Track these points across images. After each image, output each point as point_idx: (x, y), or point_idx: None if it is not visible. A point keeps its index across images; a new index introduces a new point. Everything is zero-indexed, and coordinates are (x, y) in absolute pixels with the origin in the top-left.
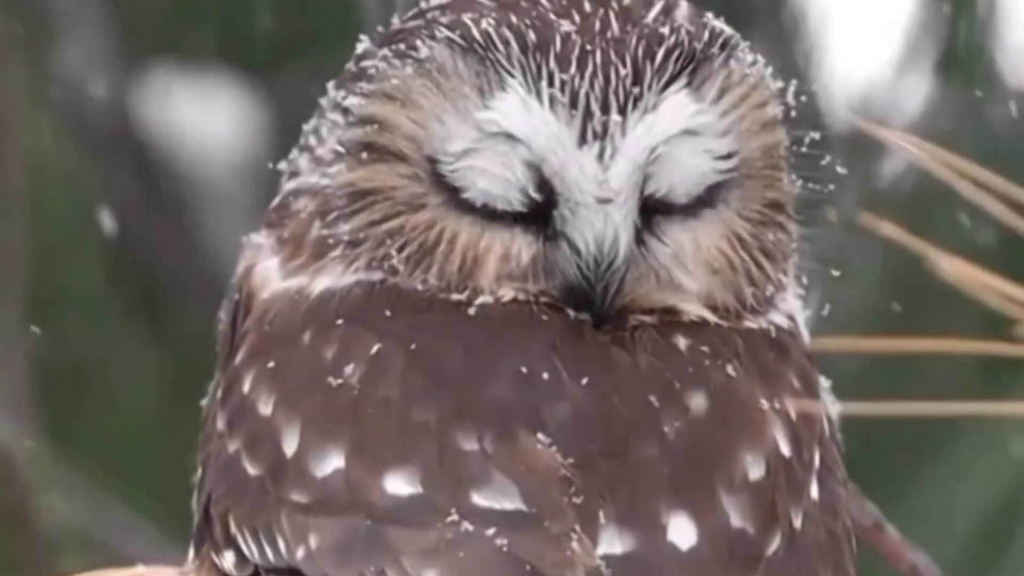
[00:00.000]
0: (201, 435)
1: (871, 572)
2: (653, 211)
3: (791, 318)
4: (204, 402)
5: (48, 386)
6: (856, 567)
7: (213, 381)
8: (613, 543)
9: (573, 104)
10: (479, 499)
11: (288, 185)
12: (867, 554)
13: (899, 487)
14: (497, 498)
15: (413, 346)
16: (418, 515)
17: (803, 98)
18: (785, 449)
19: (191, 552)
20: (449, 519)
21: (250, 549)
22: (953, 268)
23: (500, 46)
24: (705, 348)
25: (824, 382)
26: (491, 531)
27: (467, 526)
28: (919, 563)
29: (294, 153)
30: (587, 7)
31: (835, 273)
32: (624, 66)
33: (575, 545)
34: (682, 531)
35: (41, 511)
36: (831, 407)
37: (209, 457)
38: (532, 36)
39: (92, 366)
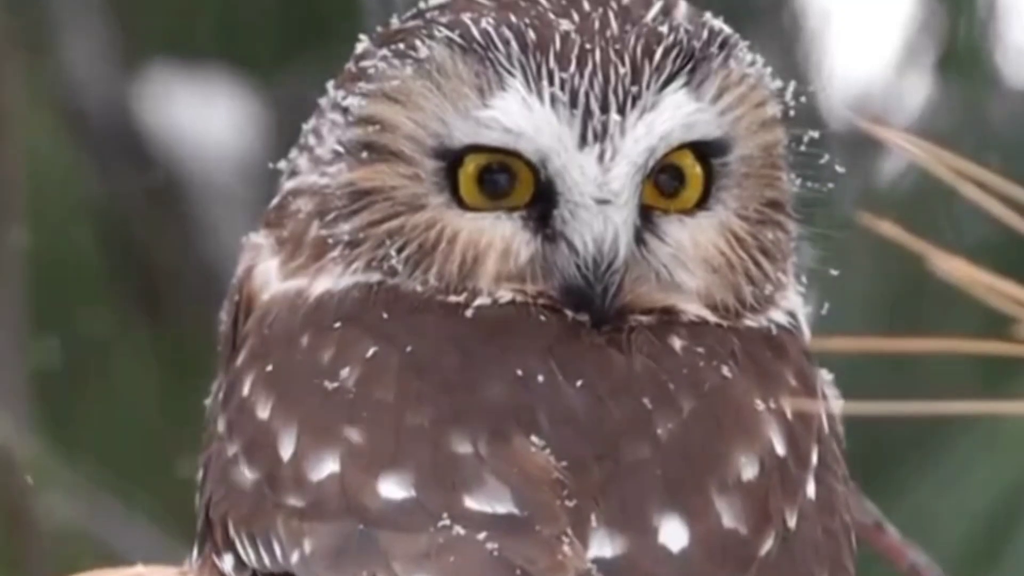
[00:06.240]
0: (204, 435)
1: (871, 572)
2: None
3: (792, 315)
4: (207, 402)
5: (48, 386)
6: (856, 565)
7: (215, 381)
8: (604, 546)
9: (573, 103)
10: (472, 503)
11: (287, 184)
12: (867, 554)
13: (899, 487)
14: (490, 502)
15: (409, 348)
16: (410, 519)
17: (802, 98)
18: (780, 448)
19: (194, 552)
20: (441, 523)
21: (247, 553)
22: (953, 268)
23: (500, 45)
24: (701, 349)
25: (826, 375)
26: (482, 535)
27: (459, 530)
28: (919, 563)
29: (293, 153)
30: (586, 6)
31: (835, 273)
32: (623, 65)
33: (566, 549)
34: (674, 533)
35: (41, 511)
36: (833, 401)
37: (210, 459)
38: (531, 35)
39: (92, 365)
